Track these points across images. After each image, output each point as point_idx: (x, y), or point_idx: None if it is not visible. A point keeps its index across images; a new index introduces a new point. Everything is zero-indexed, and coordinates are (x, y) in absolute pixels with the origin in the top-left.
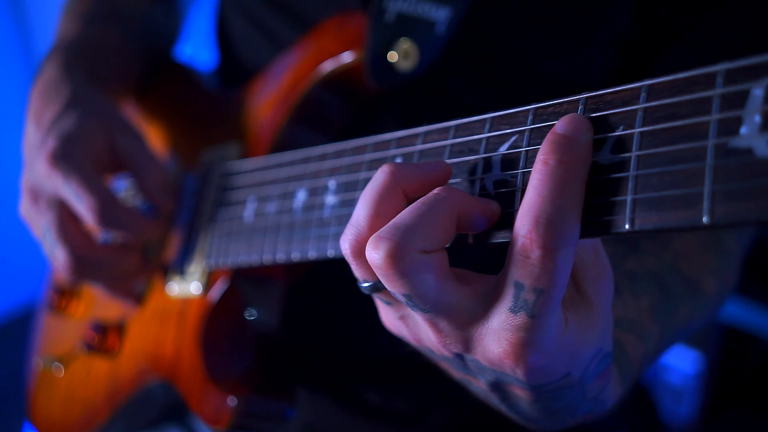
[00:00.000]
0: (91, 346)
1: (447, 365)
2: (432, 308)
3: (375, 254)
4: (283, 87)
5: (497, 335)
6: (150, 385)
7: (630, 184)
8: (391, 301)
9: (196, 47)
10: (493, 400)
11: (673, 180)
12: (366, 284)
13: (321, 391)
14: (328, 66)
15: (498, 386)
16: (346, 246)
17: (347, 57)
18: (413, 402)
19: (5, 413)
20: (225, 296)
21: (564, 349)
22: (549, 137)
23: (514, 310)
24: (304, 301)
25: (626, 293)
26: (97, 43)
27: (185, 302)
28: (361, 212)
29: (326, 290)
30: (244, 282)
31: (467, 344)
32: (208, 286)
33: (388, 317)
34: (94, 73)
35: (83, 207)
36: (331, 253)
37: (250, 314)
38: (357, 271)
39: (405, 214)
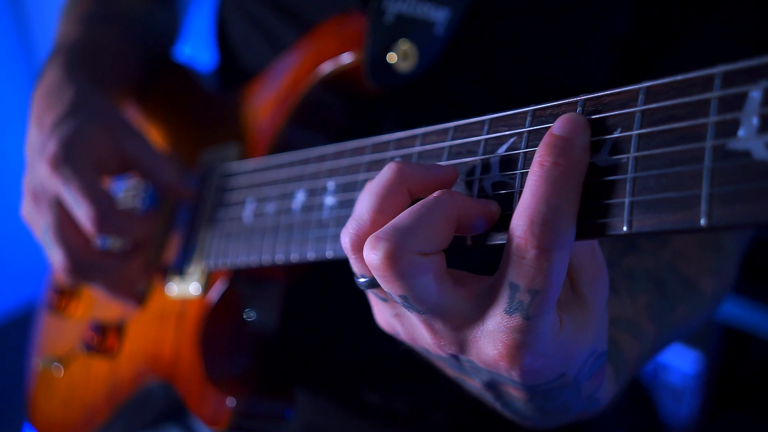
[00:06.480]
0: (90, 347)
1: (441, 364)
2: (428, 310)
3: (373, 255)
4: (283, 88)
5: (492, 337)
6: (149, 386)
7: (628, 186)
8: (387, 298)
9: (196, 47)
10: (488, 398)
11: (671, 182)
12: (363, 279)
13: (321, 392)
14: (327, 67)
15: (492, 386)
16: (346, 239)
17: (346, 58)
18: (413, 402)
19: (5, 413)
20: (224, 297)
21: (559, 351)
22: (545, 139)
23: (509, 312)
24: (304, 301)
25: (623, 292)
26: (98, 45)
27: (184, 303)
28: (364, 206)
29: (325, 291)
30: (243, 283)
31: (462, 345)
32: (207, 286)
33: (383, 315)
34: (95, 76)
35: (81, 213)
36: (329, 254)
37: (249, 315)
38: (355, 266)
39: (404, 216)
